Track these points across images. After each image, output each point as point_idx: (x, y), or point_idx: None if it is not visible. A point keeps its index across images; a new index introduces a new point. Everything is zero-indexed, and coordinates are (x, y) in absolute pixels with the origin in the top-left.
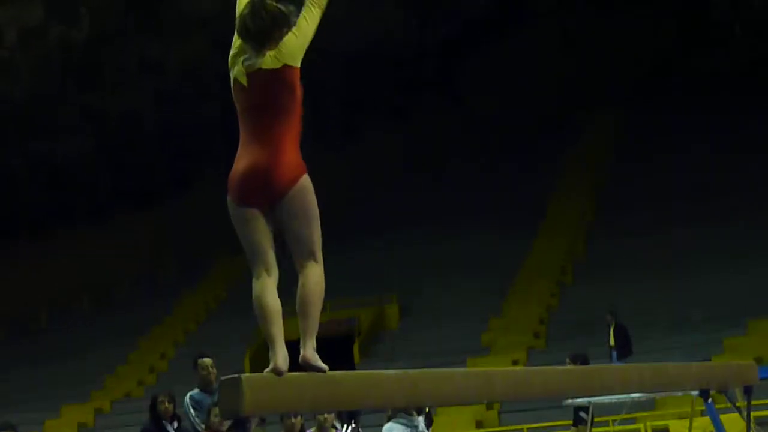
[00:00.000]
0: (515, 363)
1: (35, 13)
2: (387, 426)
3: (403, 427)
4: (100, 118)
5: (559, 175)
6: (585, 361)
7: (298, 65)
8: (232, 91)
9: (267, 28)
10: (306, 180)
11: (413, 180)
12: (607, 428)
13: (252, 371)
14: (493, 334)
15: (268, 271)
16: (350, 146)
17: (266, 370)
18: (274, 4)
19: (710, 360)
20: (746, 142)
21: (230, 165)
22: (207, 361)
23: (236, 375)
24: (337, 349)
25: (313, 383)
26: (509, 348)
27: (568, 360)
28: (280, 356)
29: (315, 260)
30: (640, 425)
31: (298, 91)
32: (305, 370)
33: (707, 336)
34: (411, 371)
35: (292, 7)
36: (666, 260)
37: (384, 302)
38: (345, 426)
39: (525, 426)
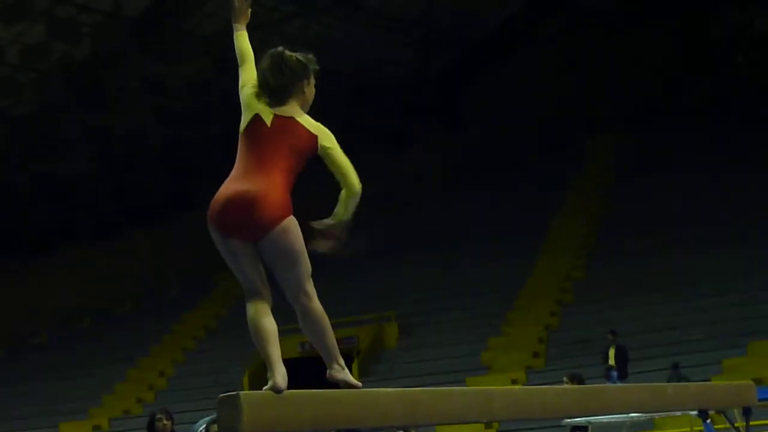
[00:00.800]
0: (514, 382)
1: (37, 31)
2: None
3: None
4: (103, 136)
5: (561, 197)
6: (581, 381)
7: (317, 153)
8: (247, 125)
9: (287, 83)
10: (290, 222)
11: (414, 201)
12: None
13: (251, 390)
14: (493, 353)
15: (260, 295)
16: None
17: (265, 388)
18: (294, 55)
19: (709, 381)
20: (748, 165)
21: None
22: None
23: (235, 393)
24: None
25: (312, 402)
26: (508, 367)
27: (565, 379)
28: (279, 374)
29: (306, 296)
30: None
31: (303, 162)
32: (336, 387)
33: (707, 357)
34: (410, 390)
35: (311, 56)
36: (666, 281)
37: (383, 321)
38: None
39: None
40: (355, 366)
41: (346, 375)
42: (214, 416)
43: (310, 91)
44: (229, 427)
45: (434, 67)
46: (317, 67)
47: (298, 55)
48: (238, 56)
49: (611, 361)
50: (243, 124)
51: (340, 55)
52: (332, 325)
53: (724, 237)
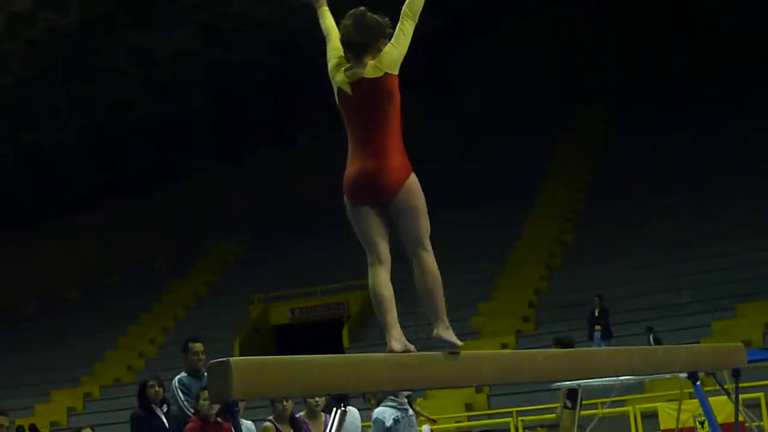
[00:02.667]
0: (504, 346)
1: (23, 0)
2: (378, 410)
3: (393, 410)
4: (89, 107)
5: (550, 163)
6: (571, 345)
7: (397, 73)
8: (337, 100)
9: (367, 40)
10: (412, 180)
11: None
12: (596, 411)
13: (241, 356)
14: (483, 318)
15: (380, 260)
16: (339, 134)
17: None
18: (373, 16)
19: (699, 343)
20: (735, 131)
21: (220, 154)
22: (198, 346)
23: (225, 359)
24: (326, 334)
25: (302, 367)
26: (498, 332)
27: (554, 343)
28: (393, 338)
29: (425, 250)
30: (630, 408)
31: (398, 98)
32: (439, 346)
33: (696, 320)
34: (400, 355)
35: (387, 19)
36: (655, 245)
37: None
38: (333, 410)
39: (514, 409)
40: (345, 331)
41: (450, 335)
42: (204, 383)
43: None
44: (219, 392)
45: (423, 33)
46: (391, 30)
47: (377, 17)
48: (324, 32)
49: (596, 324)
50: (335, 97)
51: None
52: (322, 291)
53: (713, 203)
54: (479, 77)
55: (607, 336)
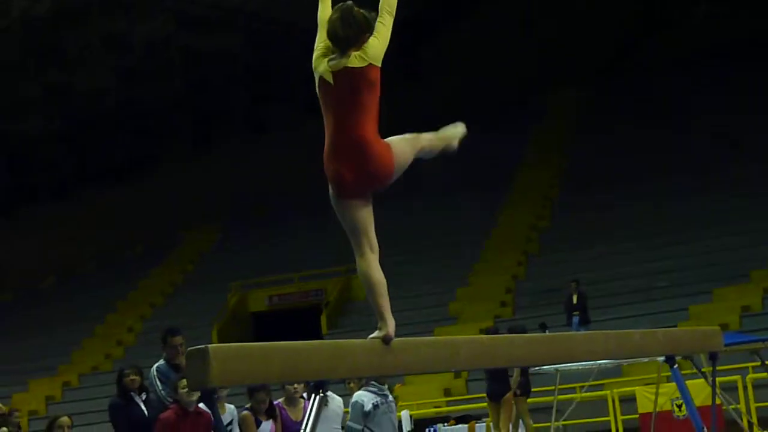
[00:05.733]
0: (482, 332)
1: None
2: (358, 393)
3: (372, 395)
4: (64, 95)
5: (526, 149)
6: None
7: (380, 65)
8: (317, 89)
9: (354, 34)
10: (396, 158)
11: None
12: (574, 395)
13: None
14: (461, 303)
15: (371, 249)
16: (314, 124)
17: (373, 335)
18: (361, 11)
19: (676, 327)
20: (709, 120)
21: (196, 143)
22: (177, 339)
23: (204, 346)
24: (304, 320)
25: (280, 354)
26: (477, 317)
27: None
28: (390, 324)
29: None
30: (607, 392)
31: (379, 89)
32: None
33: (673, 303)
34: (377, 341)
35: (374, 14)
36: (631, 230)
37: (351, 273)
38: (312, 396)
39: None
40: (323, 318)
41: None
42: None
43: None
44: (197, 379)
45: (394, 23)
46: None
47: (363, 11)
48: (318, 21)
49: (574, 309)
50: (316, 87)
51: (301, 9)
52: (300, 278)
53: (688, 188)
54: (453, 63)
55: (584, 322)
